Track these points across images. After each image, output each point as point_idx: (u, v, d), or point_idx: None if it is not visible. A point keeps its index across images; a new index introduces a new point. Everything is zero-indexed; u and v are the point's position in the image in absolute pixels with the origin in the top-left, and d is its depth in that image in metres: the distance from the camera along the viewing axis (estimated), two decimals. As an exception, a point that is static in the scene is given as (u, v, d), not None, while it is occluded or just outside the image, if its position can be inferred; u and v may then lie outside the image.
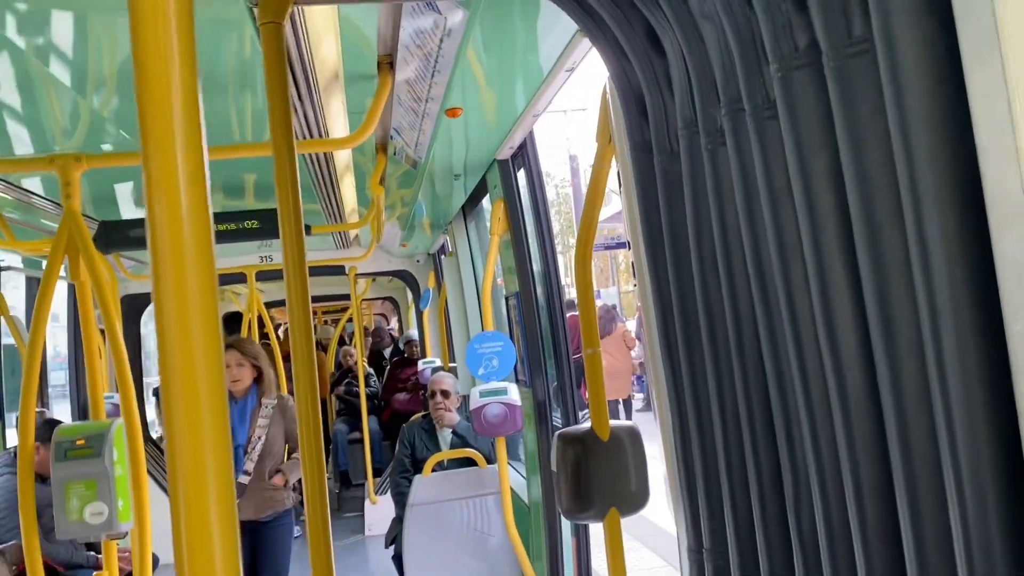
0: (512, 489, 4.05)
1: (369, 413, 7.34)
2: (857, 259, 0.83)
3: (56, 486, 2.24)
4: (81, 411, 5.86)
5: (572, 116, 27.20)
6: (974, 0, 0.70)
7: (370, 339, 10.77)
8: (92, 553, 3.91)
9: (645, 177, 1.36)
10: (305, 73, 2.20)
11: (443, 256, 6.46)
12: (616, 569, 1.67)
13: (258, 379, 4.13)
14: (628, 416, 12.84)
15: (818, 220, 0.87)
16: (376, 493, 6.80)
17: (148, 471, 2.45)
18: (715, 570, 1.27)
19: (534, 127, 3.24)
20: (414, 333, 8.99)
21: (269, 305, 7.95)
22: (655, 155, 1.31)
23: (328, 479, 1.59)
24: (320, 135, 2.80)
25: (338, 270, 6.93)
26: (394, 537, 4.73)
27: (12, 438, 5.04)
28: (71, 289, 5.65)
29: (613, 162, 1.61)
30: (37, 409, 2.74)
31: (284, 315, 12.38)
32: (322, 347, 9.67)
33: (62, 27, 1.96)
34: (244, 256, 5.91)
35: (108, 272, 2.44)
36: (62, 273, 2.48)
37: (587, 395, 1.72)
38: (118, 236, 3.26)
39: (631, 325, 13.72)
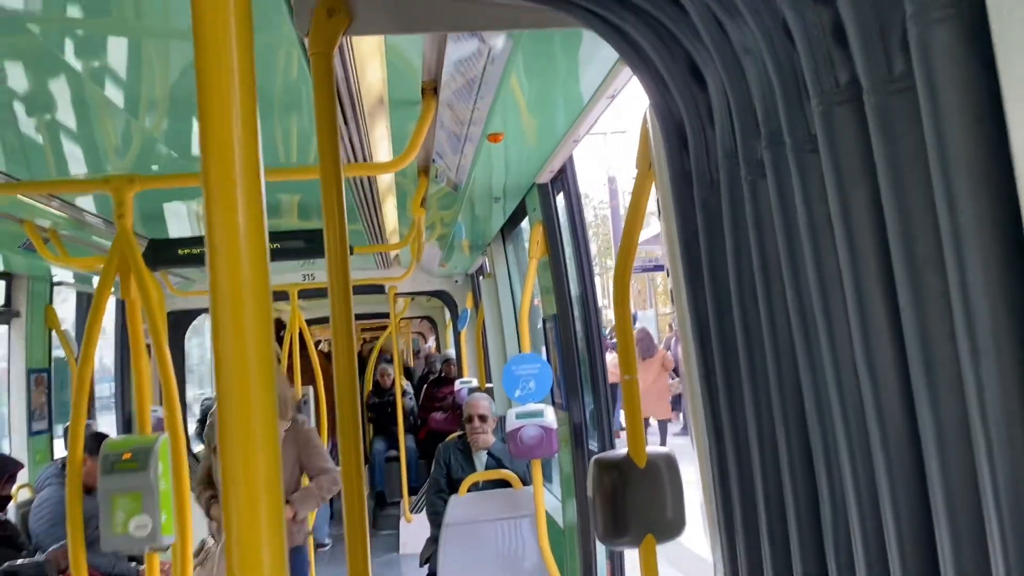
0: (547, 512, 4.04)
1: (405, 431, 7.37)
2: (897, 295, 0.83)
3: (102, 499, 2.29)
4: (126, 424, 5.98)
5: (611, 138, 27.20)
6: (1015, 40, 0.71)
7: (422, 362, 10.56)
8: (134, 564, 3.98)
9: (685, 206, 1.37)
10: (351, 98, 2.25)
11: (481, 277, 6.50)
12: None
13: None
14: (663, 439, 12.76)
15: (858, 255, 0.88)
16: (411, 511, 6.82)
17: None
18: None
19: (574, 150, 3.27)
20: (451, 352, 9.02)
21: (308, 322, 8.05)
22: (695, 185, 1.32)
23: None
24: (364, 158, 2.85)
25: (378, 289, 7.00)
26: (429, 556, 4.75)
27: (58, 449, 5.15)
28: (119, 304, 5.79)
29: (653, 188, 1.62)
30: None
31: (321, 332, 12.53)
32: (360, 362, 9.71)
33: (117, 52, 2.04)
34: (287, 274, 6.00)
35: (156, 290, 2.51)
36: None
37: (624, 420, 1.72)
38: (167, 254, 3.34)
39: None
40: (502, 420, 4.64)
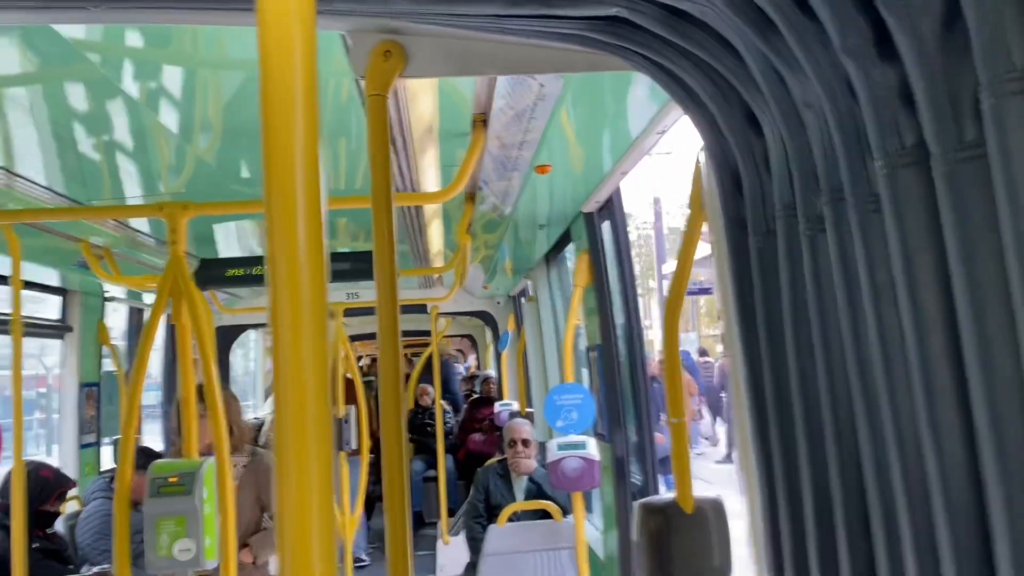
0: (588, 543, 3.99)
1: (445, 452, 7.36)
2: (964, 367, 0.81)
3: (148, 521, 2.32)
4: (168, 438, 6.06)
5: (657, 159, 27.11)
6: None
7: (477, 385, 10.15)
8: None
9: (740, 253, 1.35)
10: (402, 130, 2.27)
11: (523, 300, 6.49)
12: None
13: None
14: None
15: (924, 323, 0.85)
16: (449, 533, 6.81)
17: None
18: None
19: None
20: (492, 372, 8.98)
21: (350, 339, 8.11)
22: (750, 233, 1.30)
23: None
24: (412, 186, 2.88)
25: (420, 308, 7.03)
26: (468, 584, 4.73)
27: (105, 460, 5.24)
28: (168, 322, 5.89)
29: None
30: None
31: (362, 347, 12.61)
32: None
33: (172, 80, 2.09)
34: (333, 293, 6.06)
35: (206, 309, 2.54)
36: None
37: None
38: (216, 274, 3.40)
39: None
40: (543, 446, 4.61)
